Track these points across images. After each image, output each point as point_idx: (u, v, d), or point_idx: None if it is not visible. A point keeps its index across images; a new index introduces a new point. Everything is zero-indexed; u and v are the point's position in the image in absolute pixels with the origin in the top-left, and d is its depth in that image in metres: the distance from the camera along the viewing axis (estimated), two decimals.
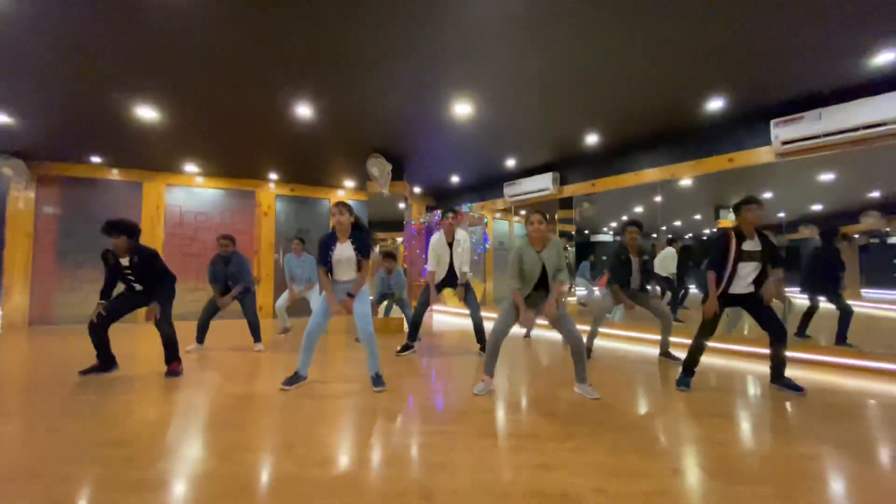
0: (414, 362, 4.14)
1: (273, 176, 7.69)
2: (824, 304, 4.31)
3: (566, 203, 6.86)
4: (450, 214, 4.45)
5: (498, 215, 8.55)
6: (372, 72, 3.75)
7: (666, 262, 5.81)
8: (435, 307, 8.89)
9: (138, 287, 3.56)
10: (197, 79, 3.87)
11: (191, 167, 7.04)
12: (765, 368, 3.63)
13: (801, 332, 4.42)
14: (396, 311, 6.12)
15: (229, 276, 4.57)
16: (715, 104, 4.36)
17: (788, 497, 1.69)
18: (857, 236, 4.40)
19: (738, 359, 4.39)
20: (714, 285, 3.18)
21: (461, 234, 4.45)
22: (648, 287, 4.22)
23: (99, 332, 3.45)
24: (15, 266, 6.39)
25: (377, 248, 6.20)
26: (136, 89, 4.09)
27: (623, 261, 4.11)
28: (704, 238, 5.67)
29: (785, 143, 4.29)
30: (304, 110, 4.58)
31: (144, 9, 2.86)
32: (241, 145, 5.87)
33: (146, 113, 4.64)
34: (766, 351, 3.32)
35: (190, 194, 7.50)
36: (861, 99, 3.84)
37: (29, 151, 6.07)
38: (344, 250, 3.20)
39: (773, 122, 4.33)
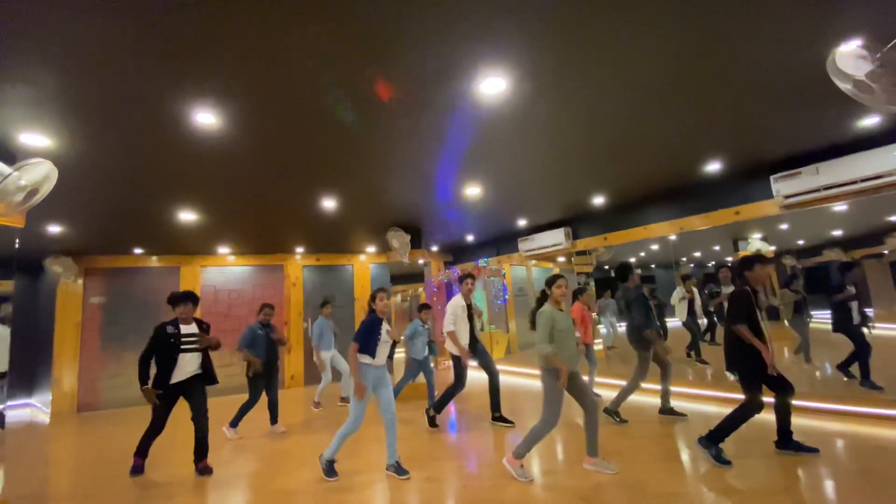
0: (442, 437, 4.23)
1: (300, 249, 8.11)
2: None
3: (581, 252, 7.05)
4: (468, 279, 4.58)
5: (514, 262, 8.74)
6: (387, 165, 4.12)
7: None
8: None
9: (193, 363, 3.59)
10: (238, 179, 4.29)
11: (224, 249, 7.50)
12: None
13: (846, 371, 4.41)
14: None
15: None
16: (713, 167, 4.58)
17: None
18: (886, 252, 4.39)
19: None
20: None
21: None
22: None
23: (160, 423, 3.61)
24: (64, 356, 6.79)
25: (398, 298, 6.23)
26: (181, 194, 4.53)
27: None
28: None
29: (787, 196, 4.45)
30: (329, 202, 4.98)
31: (200, 142, 3.28)
32: (272, 228, 6.29)
33: (188, 216, 5.09)
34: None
35: (223, 273, 7.95)
36: (856, 153, 4.01)
37: (77, 249, 6.59)
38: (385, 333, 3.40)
39: (772, 177, 4.51)
